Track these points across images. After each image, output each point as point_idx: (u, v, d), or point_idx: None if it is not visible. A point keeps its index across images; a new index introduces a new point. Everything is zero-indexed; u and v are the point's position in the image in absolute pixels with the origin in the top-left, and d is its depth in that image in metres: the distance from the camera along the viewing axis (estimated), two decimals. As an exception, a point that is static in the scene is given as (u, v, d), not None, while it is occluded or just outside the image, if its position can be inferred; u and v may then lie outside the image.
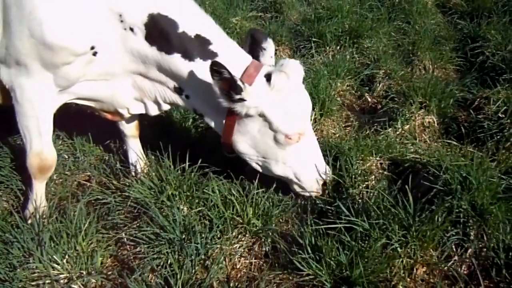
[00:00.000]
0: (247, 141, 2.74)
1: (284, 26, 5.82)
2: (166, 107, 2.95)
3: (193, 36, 2.59)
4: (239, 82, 2.45)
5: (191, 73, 2.62)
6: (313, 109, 3.95)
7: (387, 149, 3.33)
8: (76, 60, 2.53)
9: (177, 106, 2.94)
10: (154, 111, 2.97)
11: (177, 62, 2.60)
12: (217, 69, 2.38)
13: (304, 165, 2.82)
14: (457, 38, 5.43)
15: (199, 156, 3.08)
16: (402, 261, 2.51)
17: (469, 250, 2.61)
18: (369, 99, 4.46)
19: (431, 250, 2.58)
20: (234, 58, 2.66)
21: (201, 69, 2.60)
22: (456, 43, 5.32)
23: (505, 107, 3.65)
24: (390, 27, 5.51)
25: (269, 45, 2.84)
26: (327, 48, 5.10)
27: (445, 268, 2.56)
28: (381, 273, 2.45)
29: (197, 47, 2.60)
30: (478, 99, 4.02)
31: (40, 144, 2.79)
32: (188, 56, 2.59)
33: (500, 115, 3.67)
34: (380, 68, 4.65)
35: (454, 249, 2.63)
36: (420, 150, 3.35)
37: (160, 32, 2.55)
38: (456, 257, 2.60)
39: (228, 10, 6.09)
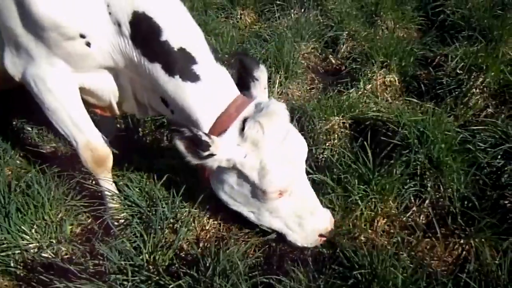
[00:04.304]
0: (225, 190, 2.44)
1: (249, -10, 5.75)
2: (154, 113, 2.75)
3: (176, 49, 2.30)
4: (204, 138, 2.14)
5: (170, 89, 2.35)
6: (278, 72, 4.00)
7: (349, 108, 3.41)
8: (70, 43, 2.33)
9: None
10: (141, 114, 2.83)
11: (158, 73, 2.34)
12: (176, 128, 2.14)
13: (296, 216, 2.41)
14: (419, -2, 5.48)
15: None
16: (363, 214, 2.63)
17: (427, 201, 2.75)
18: (333, 61, 4.51)
19: (390, 202, 2.70)
20: (217, 88, 2.36)
21: (180, 88, 2.33)
22: (418, 2, 5.34)
23: (462, 63, 3.76)
24: (354, -12, 5.51)
25: (262, 74, 2.43)
26: (291, 11, 5.08)
27: (404, 219, 2.69)
28: (343, 226, 2.56)
29: (179, 63, 2.31)
30: (438, 57, 4.13)
31: (82, 134, 2.55)
32: (168, 69, 2.32)
33: (458, 71, 3.78)
34: (344, 30, 4.67)
35: (413, 200, 2.76)
36: (381, 109, 3.45)
37: (143, 35, 2.30)
38: (414, 208, 2.74)
39: (190, -26, 5.97)
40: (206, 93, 2.32)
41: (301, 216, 2.41)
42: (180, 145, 2.18)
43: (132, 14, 2.28)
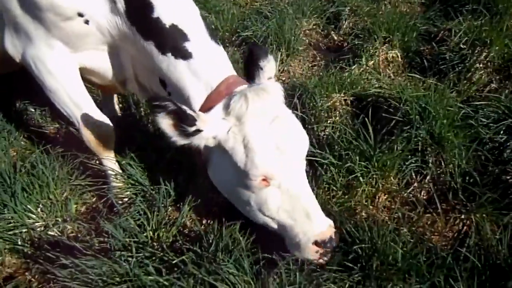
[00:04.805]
0: (213, 172, 2.32)
1: (249, -34, 5.67)
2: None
3: (168, 26, 2.25)
4: (189, 112, 2.04)
5: (164, 67, 2.31)
6: (279, 49, 3.97)
7: (351, 85, 3.40)
8: (68, 23, 2.32)
9: None
10: (143, 95, 2.75)
11: (152, 51, 2.30)
12: (158, 103, 2.00)
13: (289, 218, 2.15)
14: (423, -29, 5.39)
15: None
16: (364, 190, 2.64)
17: (428, 177, 2.76)
18: (335, 37, 4.47)
19: (391, 178, 2.71)
20: (210, 65, 2.28)
21: (172, 66, 2.29)
22: (422, -24, 5.28)
23: (466, 38, 3.72)
24: (356, -38, 5.41)
25: (268, 64, 2.23)
26: (293, -14, 5.01)
27: (405, 194, 2.71)
28: (345, 202, 2.58)
29: (171, 40, 2.26)
30: (441, 32, 4.08)
31: (84, 115, 2.54)
32: (161, 47, 2.28)
33: (461, 46, 3.74)
34: (346, 5, 4.62)
35: (414, 176, 2.77)
36: (383, 85, 3.43)
37: (137, 12, 2.26)
38: (415, 184, 2.75)
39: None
40: (198, 70, 2.26)
41: (295, 218, 2.14)
42: (164, 123, 2.06)
43: None
